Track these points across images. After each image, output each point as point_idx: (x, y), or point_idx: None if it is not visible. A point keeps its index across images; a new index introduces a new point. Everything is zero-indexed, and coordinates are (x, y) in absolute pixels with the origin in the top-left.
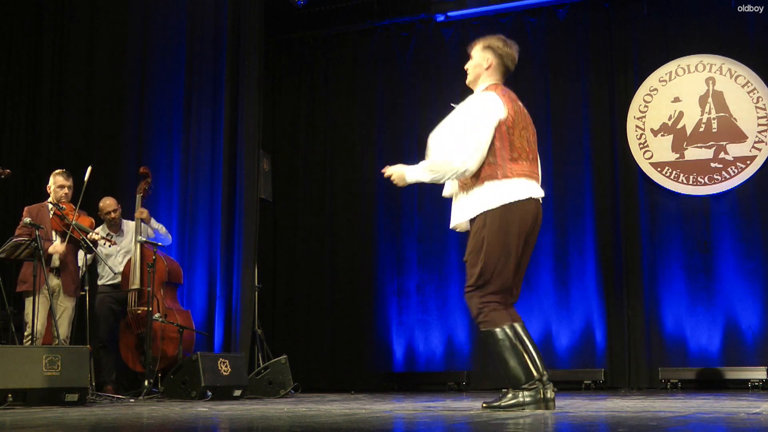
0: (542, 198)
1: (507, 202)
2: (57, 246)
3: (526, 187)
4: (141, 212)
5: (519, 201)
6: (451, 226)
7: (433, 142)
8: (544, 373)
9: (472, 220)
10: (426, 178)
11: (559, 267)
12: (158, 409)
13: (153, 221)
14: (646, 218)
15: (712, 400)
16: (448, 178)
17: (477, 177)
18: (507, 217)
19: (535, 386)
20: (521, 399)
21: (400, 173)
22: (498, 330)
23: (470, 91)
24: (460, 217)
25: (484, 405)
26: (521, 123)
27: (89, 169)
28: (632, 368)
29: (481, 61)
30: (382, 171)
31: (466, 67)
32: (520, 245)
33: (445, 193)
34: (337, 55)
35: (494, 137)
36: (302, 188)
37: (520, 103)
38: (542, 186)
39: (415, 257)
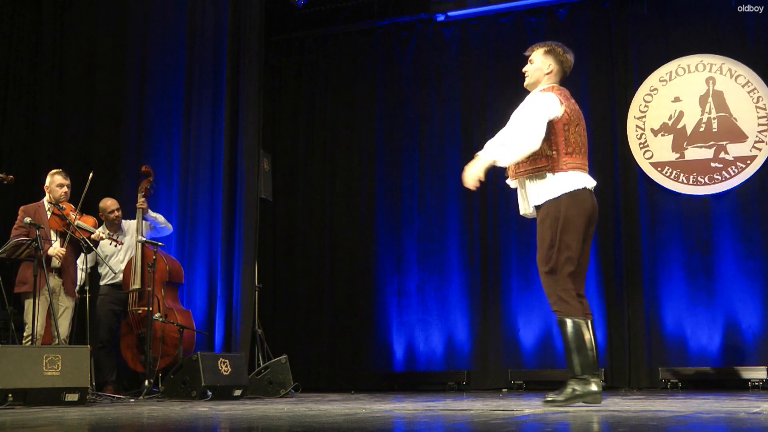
0: (595, 187)
1: (566, 191)
2: (57, 249)
3: (581, 178)
4: (141, 203)
5: (576, 190)
6: (521, 214)
7: (501, 134)
8: (597, 367)
9: (537, 209)
10: (498, 157)
11: None
12: (158, 409)
13: (150, 212)
14: (646, 218)
15: (712, 399)
16: (513, 161)
17: (537, 169)
18: (567, 204)
19: (593, 379)
20: (579, 391)
21: (477, 165)
22: (569, 321)
23: (470, 92)
24: (527, 206)
25: (547, 400)
26: (575, 119)
27: (90, 175)
28: (632, 368)
29: (543, 66)
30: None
31: (524, 69)
32: (582, 229)
33: (512, 183)
34: (338, 55)
35: (552, 133)
36: (302, 188)
37: (573, 101)
38: None
39: (415, 257)
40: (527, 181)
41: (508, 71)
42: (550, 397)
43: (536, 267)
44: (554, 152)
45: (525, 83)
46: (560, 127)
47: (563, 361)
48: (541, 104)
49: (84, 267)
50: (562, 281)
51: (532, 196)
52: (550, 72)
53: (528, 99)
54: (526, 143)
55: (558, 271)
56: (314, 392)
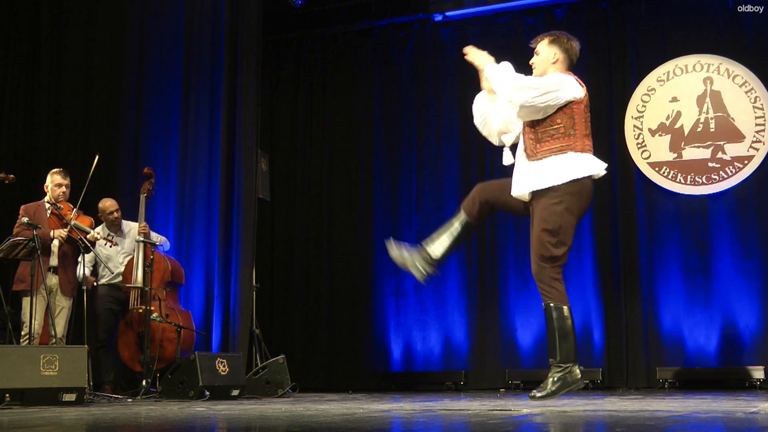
0: (602, 175)
1: (585, 174)
2: (61, 231)
3: (598, 164)
4: (143, 227)
5: (590, 176)
6: (515, 194)
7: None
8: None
9: (540, 191)
10: (500, 80)
11: None
12: (156, 408)
13: (152, 235)
14: (644, 218)
15: (709, 399)
16: (506, 96)
17: (556, 148)
18: (580, 191)
19: (575, 367)
20: (567, 378)
21: (482, 56)
22: (566, 307)
23: (467, 92)
24: (535, 184)
25: (537, 396)
26: (589, 105)
27: (96, 157)
28: (630, 368)
29: (548, 55)
30: (464, 51)
31: (531, 62)
32: (575, 220)
33: (507, 161)
34: (335, 54)
35: (575, 112)
36: (300, 188)
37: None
38: None
39: None
40: (541, 157)
41: None
42: (539, 393)
43: None
44: (577, 132)
45: (533, 74)
46: (582, 108)
47: None
48: (564, 83)
49: (89, 266)
50: (557, 269)
51: (548, 175)
52: (556, 61)
53: (553, 74)
54: (523, 93)
55: (557, 259)
56: (312, 392)
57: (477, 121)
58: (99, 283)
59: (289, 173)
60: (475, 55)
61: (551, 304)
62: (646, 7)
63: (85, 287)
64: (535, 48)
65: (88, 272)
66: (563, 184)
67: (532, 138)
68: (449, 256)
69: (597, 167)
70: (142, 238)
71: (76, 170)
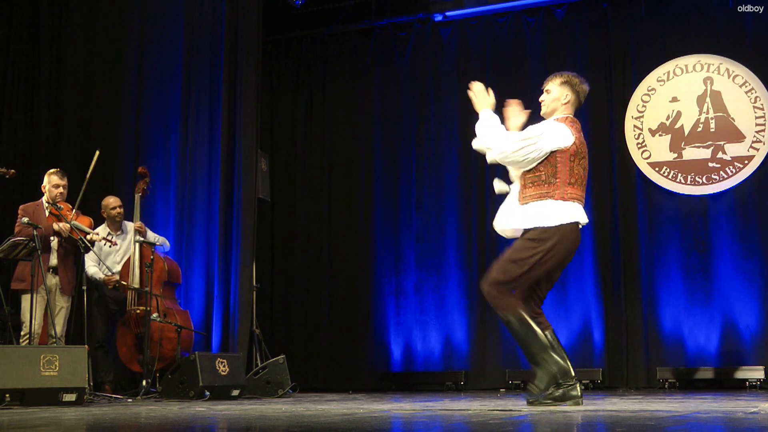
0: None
1: (561, 223)
2: (63, 224)
3: (578, 212)
4: (139, 225)
5: (570, 224)
6: (496, 229)
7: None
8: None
9: (524, 230)
10: (481, 128)
11: None
12: (156, 409)
13: (149, 234)
14: (644, 218)
15: (709, 399)
16: (484, 150)
17: (538, 194)
18: (556, 237)
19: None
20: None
21: (482, 99)
22: (514, 317)
23: (467, 92)
24: (511, 224)
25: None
26: (582, 153)
27: (97, 153)
28: (630, 368)
29: (560, 96)
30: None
31: (541, 99)
32: (556, 265)
33: (500, 190)
34: (335, 54)
35: (558, 162)
36: (300, 188)
37: (582, 135)
38: None
39: (413, 257)
40: (522, 202)
41: (505, 71)
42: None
43: None
44: (558, 180)
45: (541, 112)
46: (567, 157)
47: None
48: (547, 134)
49: (96, 264)
50: (508, 290)
51: (525, 218)
52: (567, 102)
53: (542, 123)
54: (499, 147)
55: (514, 288)
56: (312, 392)
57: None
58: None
59: (289, 173)
60: (478, 93)
61: (506, 316)
62: (646, 7)
63: (85, 287)
64: (545, 87)
65: (97, 270)
66: (537, 229)
67: (522, 183)
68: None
69: (573, 216)
70: (139, 238)
71: (76, 170)
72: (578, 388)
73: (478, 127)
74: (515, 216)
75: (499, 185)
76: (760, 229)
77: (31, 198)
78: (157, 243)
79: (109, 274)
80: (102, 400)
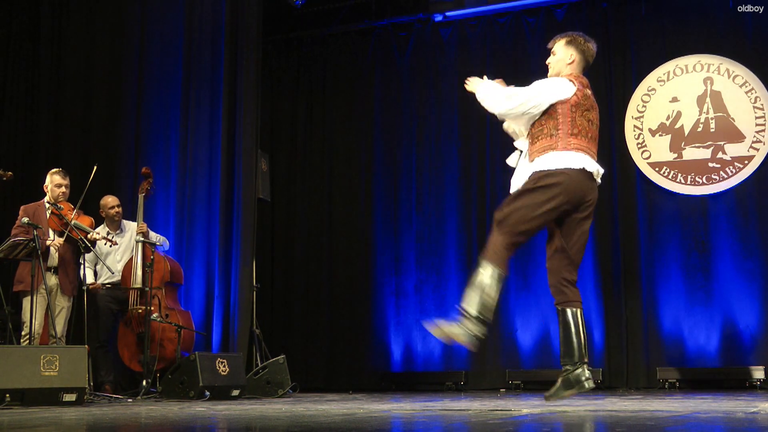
0: (602, 176)
1: (561, 167)
2: (56, 239)
3: (581, 159)
4: (142, 227)
5: (572, 169)
6: (511, 192)
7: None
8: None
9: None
10: (482, 95)
11: None
12: (156, 409)
13: (151, 234)
14: (644, 218)
15: (710, 399)
16: (491, 110)
17: (541, 149)
18: (556, 179)
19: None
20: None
21: (476, 79)
22: (491, 267)
23: (468, 92)
24: (520, 182)
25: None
26: (586, 104)
27: (95, 168)
28: (630, 368)
29: (565, 56)
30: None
31: (548, 62)
32: (557, 208)
33: (511, 162)
34: (335, 54)
35: (558, 113)
36: (300, 188)
37: (589, 91)
38: None
39: (413, 257)
40: (534, 162)
41: (506, 71)
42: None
43: (534, 267)
44: (560, 131)
45: (548, 74)
46: (568, 108)
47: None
48: (546, 87)
49: (92, 266)
50: (507, 240)
51: (532, 169)
52: (572, 62)
53: (534, 83)
54: (502, 105)
55: (504, 227)
56: (312, 392)
57: (504, 125)
58: (98, 282)
59: (289, 173)
60: (471, 82)
61: (485, 264)
62: (646, 7)
63: (85, 287)
64: (551, 48)
65: (90, 274)
66: (541, 172)
67: (529, 141)
68: (491, 309)
69: (578, 162)
70: (141, 238)
71: (76, 170)
72: (586, 371)
73: (479, 96)
74: (525, 175)
75: (514, 159)
76: (760, 229)
77: (30, 198)
78: (158, 243)
79: (110, 274)
80: (102, 400)
